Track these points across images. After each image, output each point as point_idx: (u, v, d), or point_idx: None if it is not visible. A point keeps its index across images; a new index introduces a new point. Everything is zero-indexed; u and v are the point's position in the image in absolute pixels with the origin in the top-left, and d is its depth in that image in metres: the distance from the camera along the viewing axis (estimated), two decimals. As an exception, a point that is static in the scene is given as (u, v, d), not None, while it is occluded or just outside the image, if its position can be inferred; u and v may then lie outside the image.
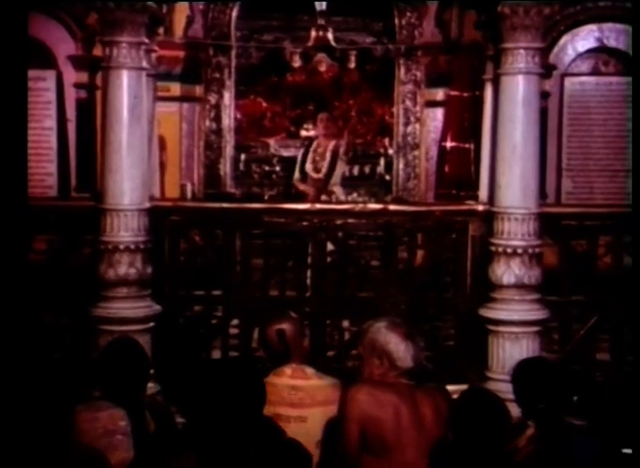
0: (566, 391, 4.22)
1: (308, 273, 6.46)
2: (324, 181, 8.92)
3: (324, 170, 8.97)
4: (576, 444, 3.85)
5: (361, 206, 6.50)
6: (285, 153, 11.63)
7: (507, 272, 5.74)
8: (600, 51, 8.56)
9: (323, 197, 8.76)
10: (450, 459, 3.66)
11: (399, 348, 4.07)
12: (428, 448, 3.92)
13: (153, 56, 6.40)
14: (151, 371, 4.56)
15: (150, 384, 4.51)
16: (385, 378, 4.09)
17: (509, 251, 5.74)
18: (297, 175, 9.20)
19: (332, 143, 9.06)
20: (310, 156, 9.04)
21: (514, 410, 5.00)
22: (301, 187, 9.05)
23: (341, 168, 9.17)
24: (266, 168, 11.74)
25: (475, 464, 3.56)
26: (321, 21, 10.61)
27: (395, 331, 4.12)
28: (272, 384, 4.17)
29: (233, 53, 9.93)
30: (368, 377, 4.14)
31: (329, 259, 6.34)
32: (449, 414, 3.91)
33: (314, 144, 9.19)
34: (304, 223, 6.18)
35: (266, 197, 10.44)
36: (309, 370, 4.32)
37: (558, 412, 4.10)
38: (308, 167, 9.01)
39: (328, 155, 9.01)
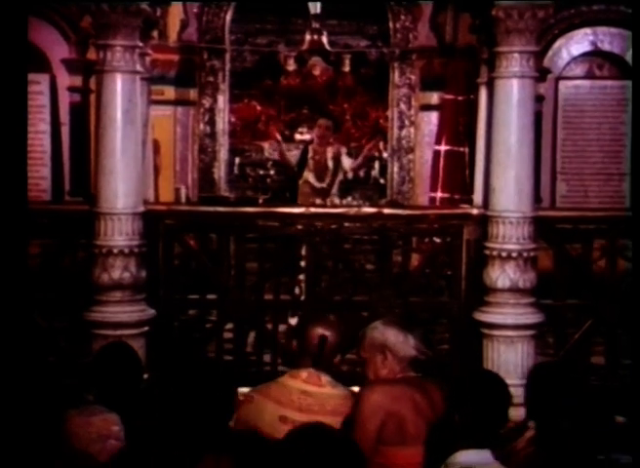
0: (564, 395, 4.21)
1: (302, 277, 6.45)
2: (327, 190, 8.63)
3: (328, 179, 8.65)
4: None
5: (355, 209, 6.47)
6: (279, 157, 11.61)
7: (502, 276, 5.74)
8: (594, 54, 8.57)
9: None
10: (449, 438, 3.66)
11: (398, 339, 4.14)
12: None
13: (147, 59, 6.40)
14: (145, 376, 4.54)
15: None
16: (393, 375, 4.11)
17: (504, 254, 5.74)
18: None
19: (330, 150, 8.74)
20: (311, 164, 8.67)
21: (513, 413, 5.00)
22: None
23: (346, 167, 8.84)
24: (261, 171, 11.74)
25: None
26: (315, 25, 10.59)
27: (391, 326, 4.20)
28: (285, 385, 4.14)
29: (227, 56, 9.92)
30: (375, 378, 4.16)
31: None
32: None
33: (310, 151, 8.79)
34: (299, 227, 6.17)
35: (261, 201, 10.42)
36: (325, 378, 4.22)
37: (563, 416, 4.09)
38: (310, 176, 8.64)
39: (330, 163, 8.69)
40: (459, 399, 3.70)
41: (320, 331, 4.27)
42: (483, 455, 3.46)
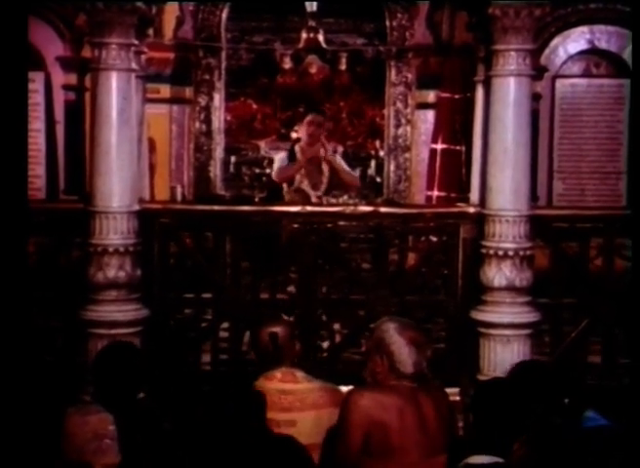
0: (559, 394, 4.20)
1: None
2: (321, 197, 7.71)
3: (324, 186, 7.75)
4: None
5: (352, 208, 6.45)
6: (275, 155, 11.61)
7: (498, 274, 5.73)
8: (591, 53, 8.56)
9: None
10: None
11: (401, 352, 4.07)
12: (431, 449, 3.93)
13: (143, 57, 6.38)
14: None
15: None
16: (387, 380, 4.07)
17: (500, 253, 5.73)
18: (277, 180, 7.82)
19: (324, 152, 7.76)
20: (304, 169, 7.69)
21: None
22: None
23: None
24: (257, 170, 11.73)
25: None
26: (312, 23, 10.61)
27: (402, 335, 4.10)
28: (262, 388, 4.15)
29: (223, 54, 9.90)
30: (370, 374, 4.14)
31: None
32: (450, 412, 3.92)
33: (298, 153, 7.77)
34: (295, 226, 6.15)
35: (257, 199, 10.41)
36: (299, 374, 4.31)
37: (550, 415, 4.08)
38: (305, 183, 7.67)
39: (325, 168, 7.78)
40: (480, 404, 3.64)
41: (267, 330, 4.33)
42: (495, 461, 3.43)
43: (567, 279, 6.14)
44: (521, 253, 5.73)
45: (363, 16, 11.41)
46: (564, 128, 8.35)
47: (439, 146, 8.57)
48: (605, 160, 8.25)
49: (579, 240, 6.16)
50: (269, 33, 12.01)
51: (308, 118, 7.97)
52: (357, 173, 8.18)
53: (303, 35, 10.71)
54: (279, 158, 8.11)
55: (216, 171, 9.85)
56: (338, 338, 6.44)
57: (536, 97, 7.44)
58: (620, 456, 3.40)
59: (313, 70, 12.31)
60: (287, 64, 12.27)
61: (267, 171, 11.65)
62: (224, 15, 9.75)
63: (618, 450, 3.46)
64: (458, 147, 8.40)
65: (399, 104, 9.70)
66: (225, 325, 6.24)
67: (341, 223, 6.24)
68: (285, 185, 7.86)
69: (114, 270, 5.68)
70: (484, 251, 5.79)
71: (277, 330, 4.36)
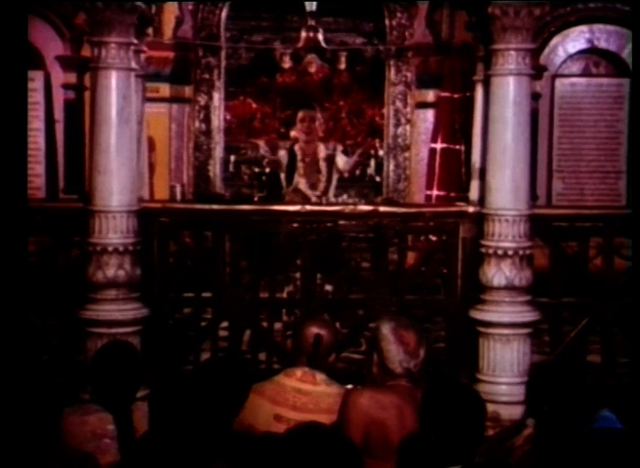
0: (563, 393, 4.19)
1: (297, 275, 6.43)
2: (321, 197, 7.69)
3: (322, 186, 7.75)
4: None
5: (351, 207, 6.45)
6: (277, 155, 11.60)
7: (498, 274, 5.73)
8: (591, 52, 8.58)
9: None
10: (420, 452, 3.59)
11: (389, 348, 4.06)
12: None
13: (142, 56, 6.38)
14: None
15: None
16: (382, 379, 4.08)
17: (500, 252, 5.72)
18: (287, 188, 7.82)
19: (323, 149, 7.88)
20: (301, 168, 7.76)
21: (509, 412, 5.01)
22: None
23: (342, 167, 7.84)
24: (256, 169, 11.72)
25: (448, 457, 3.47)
26: (311, 22, 10.60)
27: (394, 333, 4.09)
28: (280, 384, 4.14)
29: (223, 53, 9.91)
30: (368, 372, 4.14)
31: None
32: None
33: (299, 153, 7.81)
34: (295, 225, 6.15)
35: (256, 198, 10.41)
36: (320, 376, 4.21)
37: (564, 415, 4.07)
38: (302, 182, 7.70)
39: (323, 167, 7.82)
40: (432, 418, 3.55)
41: (315, 330, 4.26)
42: None
43: (566, 278, 6.13)
44: (520, 252, 5.73)
45: (362, 15, 11.40)
46: (563, 127, 8.37)
47: (438, 146, 8.58)
48: (604, 159, 8.27)
49: (578, 239, 6.16)
50: (269, 32, 11.99)
51: (300, 115, 8.01)
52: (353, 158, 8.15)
53: (303, 34, 10.70)
54: (280, 156, 8.17)
55: (215, 170, 9.85)
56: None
57: (535, 97, 7.46)
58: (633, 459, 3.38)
59: (313, 69, 12.29)
60: (286, 63, 12.25)
61: (267, 170, 11.65)
62: (224, 14, 9.75)
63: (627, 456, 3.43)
64: (457, 146, 8.41)
65: (399, 104, 9.70)
66: (225, 324, 6.25)
67: (341, 223, 6.24)
68: (284, 185, 7.94)
69: (114, 269, 5.68)
70: (483, 250, 5.79)
71: (323, 333, 4.25)
